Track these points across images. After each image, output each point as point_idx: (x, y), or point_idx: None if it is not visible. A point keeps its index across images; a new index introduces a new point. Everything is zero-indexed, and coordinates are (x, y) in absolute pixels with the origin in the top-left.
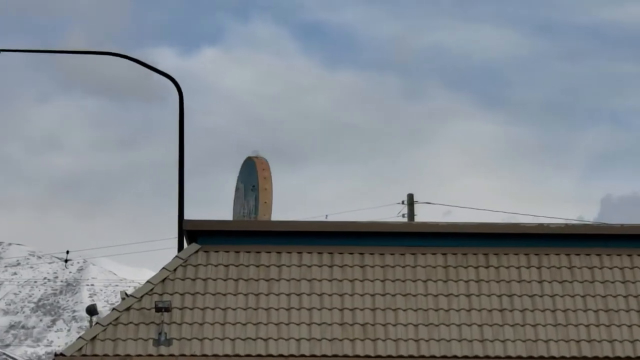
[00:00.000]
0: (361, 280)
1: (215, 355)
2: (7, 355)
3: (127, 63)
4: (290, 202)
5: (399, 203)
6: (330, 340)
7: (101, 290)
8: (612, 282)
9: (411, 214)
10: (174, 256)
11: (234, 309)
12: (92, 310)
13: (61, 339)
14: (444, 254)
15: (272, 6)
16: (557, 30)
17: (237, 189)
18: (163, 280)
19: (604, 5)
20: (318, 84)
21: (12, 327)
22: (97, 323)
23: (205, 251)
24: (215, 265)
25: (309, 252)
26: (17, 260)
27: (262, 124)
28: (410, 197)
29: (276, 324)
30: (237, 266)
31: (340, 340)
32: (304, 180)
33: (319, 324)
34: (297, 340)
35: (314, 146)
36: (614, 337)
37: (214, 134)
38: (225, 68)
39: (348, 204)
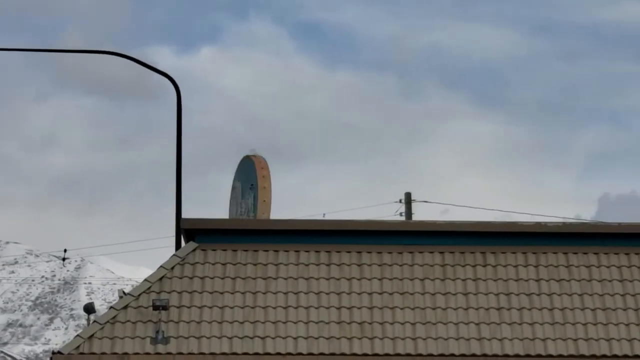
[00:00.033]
0: (359, 279)
1: (212, 354)
2: (5, 354)
3: (125, 62)
4: (288, 201)
5: (396, 202)
6: (327, 339)
7: (99, 289)
8: (610, 281)
9: (409, 212)
10: (171, 255)
11: (231, 307)
12: (89, 309)
13: (59, 337)
14: (441, 253)
15: (270, 5)
16: (555, 30)
17: (233, 188)
18: (161, 279)
19: (603, 4)
20: (316, 84)
21: (9, 325)
22: (94, 321)
23: (202, 249)
24: (213, 264)
25: (306, 251)
26: (15, 259)
27: (260, 124)
28: (408, 195)
29: (273, 323)
30: (234, 264)
31: (338, 338)
32: (301, 180)
33: (316, 323)
34: (295, 338)
35: (312, 145)
36: (612, 335)
37: (211, 133)
38: (223, 67)
39: (346, 203)
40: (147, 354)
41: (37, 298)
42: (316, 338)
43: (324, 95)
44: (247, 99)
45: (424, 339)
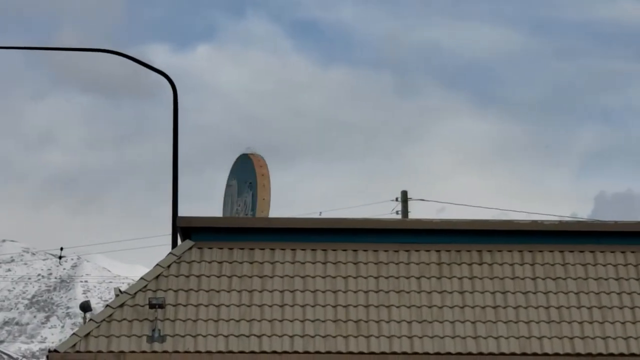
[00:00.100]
0: (355, 277)
1: (208, 352)
2: (1, 352)
3: (121, 60)
4: (284, 200)
5: (392, 200)
6: (323, 337)
7: (95, 287)
8: (606, 279)
9: (405, 211)
10: (167, 253)
11: (227, 306)
12: (86, 307)
13: (55, 335)
14: (437, 251)
15: (267, 3)
16: (551, 28)
17: (228, 186)
18: (157, 277)
19: (598, 2)
20: (313, 82)
21: (6, 323)
22: (90, 319)
23: (199, 248)
24: (209, 262)
25: (302, 249)
26: (11, 257)
27: (256, 122)
28: (404, 194)
29: (270, 321)
30: (230, 263)
31: (334, 337)
32: (297, 178)
33: (312, 321)
34: (291, 337)
35: (308, 143)
36: (608, 334)
37: (207, 131)
38: (219, 65)
39: (342, 201)
40: (144, 352)
41: (33, 296)
42: (312, 336)
43: (320, 93)
44: (244, 97)
45: (420, 338)
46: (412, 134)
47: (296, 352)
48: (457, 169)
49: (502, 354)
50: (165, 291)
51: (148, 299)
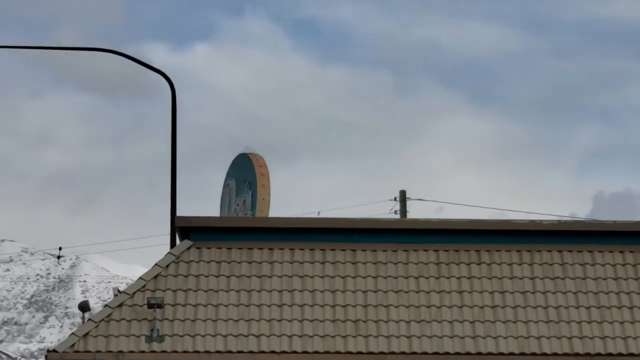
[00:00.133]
0: (353, 277)
1: (207, 352)
2: (0, 352)
3: (119, 59)
4: (282, 199)
5: (391, 200)
6: (322, 337)
7: (93, 287)
8: (604, 279)
9: (403, 210)
10: (166, 253)
11: (226, 306)
12: (84, 307)
13: (54, 335)
14: (435, 251)
15: (266, 2)
16: (548, 26)
17: (226, 185)
18: (155, 277)
19: (597, 1)
20: (311, 81)
21: (4, 323)
22: (89, 319)
23: (197, 247)
24: (208, 262)
25: (301, 249)
26: (10, 257)
27: (255, 121)
28: (403, 193)
29: (268, 321)
30: (229, 263)
31: (332, 336)
32: (296, 177)
33: (310, 321)
34: (289, 336)
35: (307, 143)
36: (606, 333)
37: (206, 131)
38: (218, 65)
39: (340, 201)
40: (142, 352)
41: (32, 296)
42: (311, 336)
43: (319, 92)
44: (242, 97)
45: (419, 337)
46: (411, 133)
47: (295, 352)
48: (455, 169)
49: (501, 353)
50: (163, 291)
51: (147, 298)
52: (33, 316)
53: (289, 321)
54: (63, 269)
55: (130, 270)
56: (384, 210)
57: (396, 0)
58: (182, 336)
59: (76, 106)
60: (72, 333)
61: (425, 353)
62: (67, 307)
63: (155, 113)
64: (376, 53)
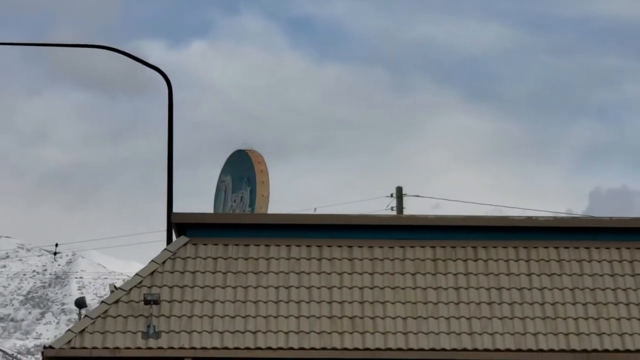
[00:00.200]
0: (350, 273)
1: (203, 348)
2: None
3: (116, 56)
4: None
5: (387, 196)
6: (318, 333)
7: (90, 283)
8: (601, 275)
9: (400, 207)
10: (162, 249)
11: (222, 302)
12: (81, 303)
13: (50, 331)
14: (432, 247)
15: (260, 0)
16: (544, 23)
17: (221, 182)
18: (152, 273)
19: None
20: (307, 78)
21: (1, 319)
22: (86, 316)
23: (194, 244)
24: (204, 258)
25: (297, 245)
26: (6, 253)
27: (250, 118)
28: (399, 190)
29: (265, 317)
30: (225, 259)
31: (329, 333)
32: (292, 174)
33: (307, 317)
34: (286, 333)
35: (302, 140)
36: (603, 330)
37: (202, 128)
38: (213, 62)
39: (337, 197)
40: (139, 348)
41: (28, 292)
42: (307, 332)
43: (315, 89)
44: (238, 94)
45: (415, 334)
46: (407, 130)
47: (291, 348)
48: (452, 165)
49: (497, 350)
50: (160, 287)
51: (143, 295)
52: (29, 312)
53: (286, 317)
54: (59, 265)
55: (127, 266)
56: (381, 206)
57: None
58: (178, 332)
59: (73, 103)
60: (69, 329)
61: (422, 349)
62: (63, 304)
63: (152, 110)
64: (372, 50)
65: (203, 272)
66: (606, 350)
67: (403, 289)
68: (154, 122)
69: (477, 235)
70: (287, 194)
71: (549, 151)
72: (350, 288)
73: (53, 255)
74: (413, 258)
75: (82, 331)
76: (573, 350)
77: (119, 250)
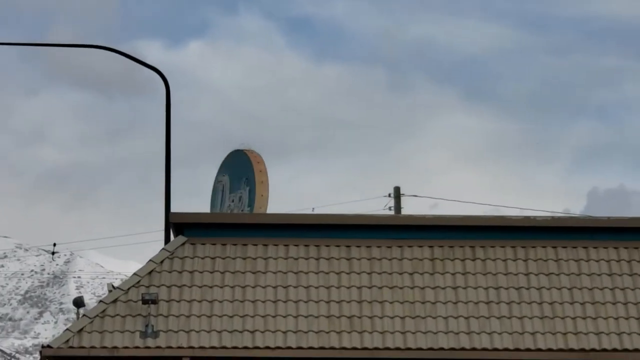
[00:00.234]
0: (348, 273)
1: (201, 348)
2: None
3: (114, 56)
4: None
5: (385, 196)
6: (316, 333)
7: (88, 283)
8: (599, 275)
9: (398, 206)
10: (160, 248)
11: (220, 301)
12: (79, 303)
13: (48, 331)
14: (430, 247)
15: (259, 0)
16: (544, 23)
17: (218, 181)
18: (150, 273)
19: None
20: (306, 78)
21: None
22: (84, 315)
23: (191, 243)
24: (202, 258)
25: (295, 245)
26: (4, 253)
27: (249, 118)
28: (397, 190)
29: (263, 317)
30: (223, 258)
31: (327, 332)
32: (291, 174)
33: (305, 317)
34: (284, 332)
35: (302, 140)
36: (601, 329)
37: (200, 128)
38: (212, 62)
39: (335, 197)
40: (137, 347)
41: (26, 292)
42: (305, 332)
43: (314, 89)
44: (237, 94)
45: (413, 333)
46: (405, 130)
47: (289, 347)
48: (450, 165)
49: (496, 349)
50: (158, 287)
51: (141, 294)
52: (27, 312)
53: (284, 317)
54: (57, 265)
55: (125, 266)
56: (379, 206)
57: None
58: (176, 332)
59: (71, 103)
60: (67, 329)
61: (420, 349)
62: (61, 303)
63: (150, 110)
64: (372, 50)
65: (201, 272)
66: (604, 350)
67: (401, 288)
68: (151, 122)
69: (475, 234)
70: (287, 194)
71: (548, 151)
72: (348, 287)
73: (51, 255)
74: (411, 258)
75: (80, 330)
76: (571, 350)
77: (117, 250)
